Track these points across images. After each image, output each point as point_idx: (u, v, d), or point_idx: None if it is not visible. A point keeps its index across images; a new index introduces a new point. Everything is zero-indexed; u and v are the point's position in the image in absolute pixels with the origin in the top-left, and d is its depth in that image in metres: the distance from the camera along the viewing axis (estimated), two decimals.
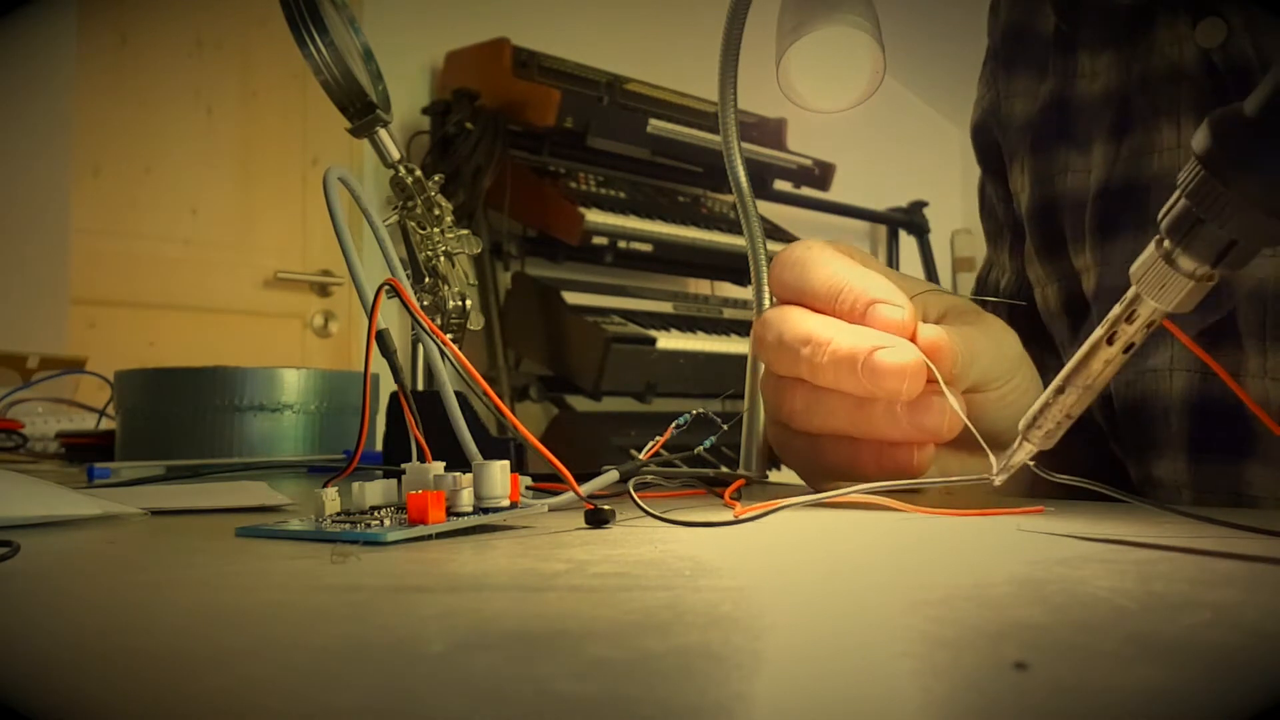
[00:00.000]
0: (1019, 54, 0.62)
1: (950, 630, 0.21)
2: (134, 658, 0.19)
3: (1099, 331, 0.35)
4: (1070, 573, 0.27)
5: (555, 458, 0.38)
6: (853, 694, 0.17)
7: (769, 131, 2.97)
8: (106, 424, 1.01)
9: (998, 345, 0.50)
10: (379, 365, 0.40)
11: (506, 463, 0.37)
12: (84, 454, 0.90)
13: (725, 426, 0.47)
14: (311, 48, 0.56)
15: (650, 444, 0.44)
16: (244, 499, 0.45)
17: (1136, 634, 0.20)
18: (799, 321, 0.47)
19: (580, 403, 2.52)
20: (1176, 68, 0.54)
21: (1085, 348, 0.36)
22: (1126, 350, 0.35)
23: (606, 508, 0.37)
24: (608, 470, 0.45)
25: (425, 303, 0.62)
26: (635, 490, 0.40)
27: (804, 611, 0.23)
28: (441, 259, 0.62)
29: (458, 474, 0.36)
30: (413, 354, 0.69)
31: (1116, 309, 0.35)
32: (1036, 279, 0.62)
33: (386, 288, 0.39)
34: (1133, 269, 0.34)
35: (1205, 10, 0.52)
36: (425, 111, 2.62)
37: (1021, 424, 0.37)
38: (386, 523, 0.35)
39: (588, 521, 0.37)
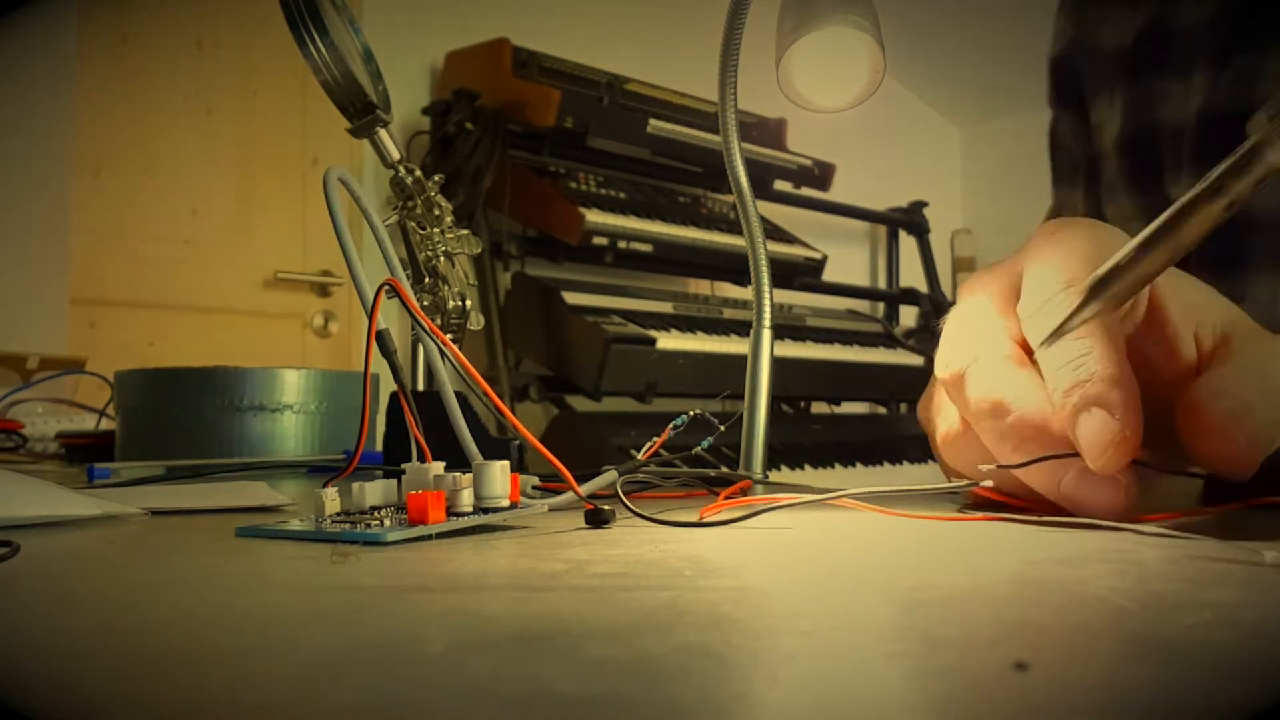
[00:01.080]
0: None
1: (950, 630, 0.21)
2: (134, 658, 0.19)
3: (1201, 185, 0.31)
4: (1070, 573, 0.27)
5: (555, 458, 0.38)
6: (853, 694, 0.17)
7: (769, 131, 2.97)
8: (106, 424, 1.01)
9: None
10: (379, 365, 0.40)
11: (506, 463, 0.37)
12: (84, 454, 0.90)
13: (723, 428, 0.47)
14: (311, 48, 0.56)
15: (648, 444, 0.44)
16: (244, 499, 0.45)
17: (1136, 634, 0.20)
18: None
19: (580, 403, 2.52)
20: None
21: (1181, 203, 0.31)
22: (1229, 208, 0.30)
23: (606, 508, 0.37)
24: (607, 470, 0.45)
25: (425, 303, 0.62)
26: (638, 490, 0.40)
27: (804, 611, 0.23)
28: (441, 259, 0.62)
29: (458, 474, 0.36)
30: (413, 354, 0.69)
31: (1227, 162, 0.30)
32: (1119, 214, 0.60)
33: (386, 288, 0.39)
34: (1251, 121, 0.30)
35: None
36: (425, 111, 2.62)
37: (1089, 281, 0.33)
38: (386, 523, 0.35)
39: (588, 522, 0.37)
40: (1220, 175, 0.30)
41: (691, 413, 0.46)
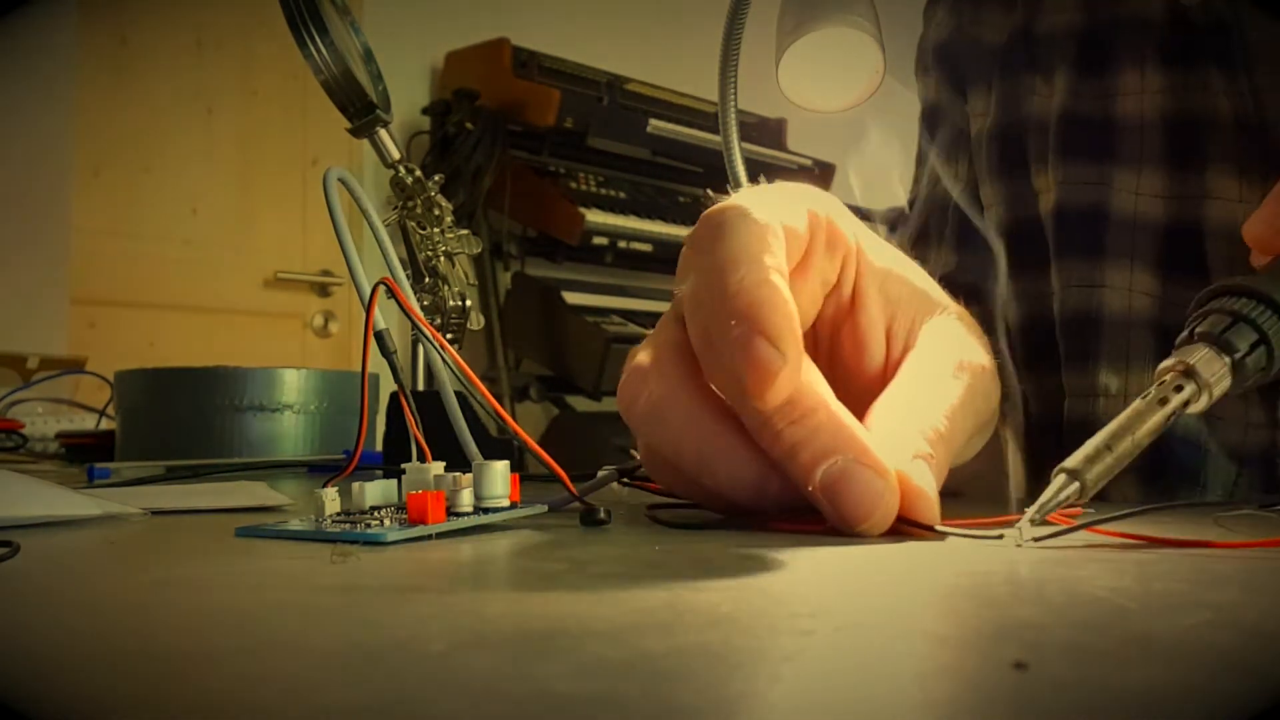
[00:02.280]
0: None
1: (950, 630, 0.21)
2: (134, 658, 0.19)
3: (1150, 393, 0.34)
4: (1070, 573, 0.27)
5: (553, 458, 0.38)
6: (853, 694, 0.17)
7: (769, 131, 2.97)
8: (106, 424, 1.01)
9: (978, 414, 0.41)
10: (379, 365, 0.40)
11: (506, 463, 0.37)
12: (84, 454, 0.90)
13: None
14: (311, 48, 0.56)
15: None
16: (244, 499, 0.45)
17: (1136, 634, 0.20)
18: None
19: (580, 403, 2.52)
20: (1143, 17, 0.58)
21: (1130, 412, 0.34)
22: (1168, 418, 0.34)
23: (601, 507, 0.37)
24: (608, 469, 0.45)
25: (425, 303, 0.62)
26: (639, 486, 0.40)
27: (804, 611, 0.23)
28: (441, 259, 0.62)
29: (458, 474, 0.36)
30: (413, 354, 0.69)
31: (1167, 377, 0.34)
32: (988, 198, 0.65)
33: (383, 288, 0.39)
34: (1160, 367, 0.35)
35: None
36: (425, 111, 2.62)
37: (1070, 464, 0.33)
38: (386, 523, 0.35)
39: (582, 522, 0.37)
40: (1161, 390, 0.34)
41: None
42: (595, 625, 0.21)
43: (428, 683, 0.17)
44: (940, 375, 0.40)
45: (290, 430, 0.80)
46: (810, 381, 0.35)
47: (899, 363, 0.41)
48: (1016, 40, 0.63)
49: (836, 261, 0.41)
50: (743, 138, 0.58)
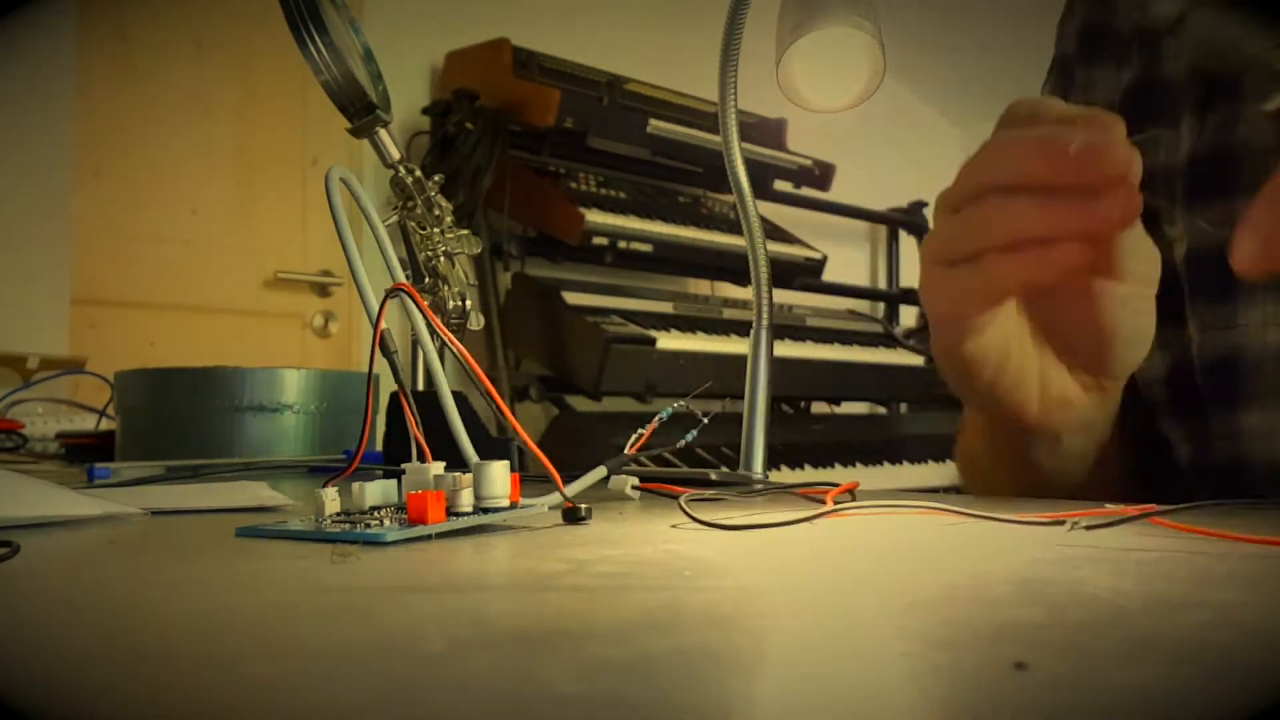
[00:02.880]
0: (1097, 49, 0.67)
1: (950, 630, 0.21)
2: (134, 658, 0.19)
3: None
4: (1070, 573, 0.27)
5: (553, 458, 0.38)
6: (853, 694, 0.17)
7: (769, 131, 2.97)
8: (106, 424, 1.01)
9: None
10: (379, 365, 0.40)
11: (506, 463, 0.37)
12: (84, 454, 0.90)
13: (705, 420, 0.48)
14: (311, 48, 0.56)
15: (635, 438, 0.45)
16: (244, 499, 0.45)
17: (1136, 634, 0.20)
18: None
19: (580, 403, 2.52)
20: (1261, 55, 0.58)
21: None
22: None
23: (583, 505, 0.38)
24: (622, 467, 0.45)
25: (425, 303, 0.62)
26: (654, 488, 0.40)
27: (804, 611, 0.23)
28: (441, 259, 0.62)
29: (457, 474, 0.36)
30: (413, 354, 0.69)
31: None
32: None
33: (395, 294, 0.39)
34: None
35: None
36: (425, 111, 2.62)
37: None
38: (386, 523, 0.35)
39: (565, 519, 0.38)
40: None
41: (675, 405, 0.47)
42: (595, 625, 0.21)
43: (428, 683, 0.17)
44: None
45: (290, 430, 0.80)
46: None
47: None
48: (1136, 93, 0.64)
49: None
50: (743, 138, 0.58)
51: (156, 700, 0.17)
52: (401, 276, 0.44)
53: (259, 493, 0.47)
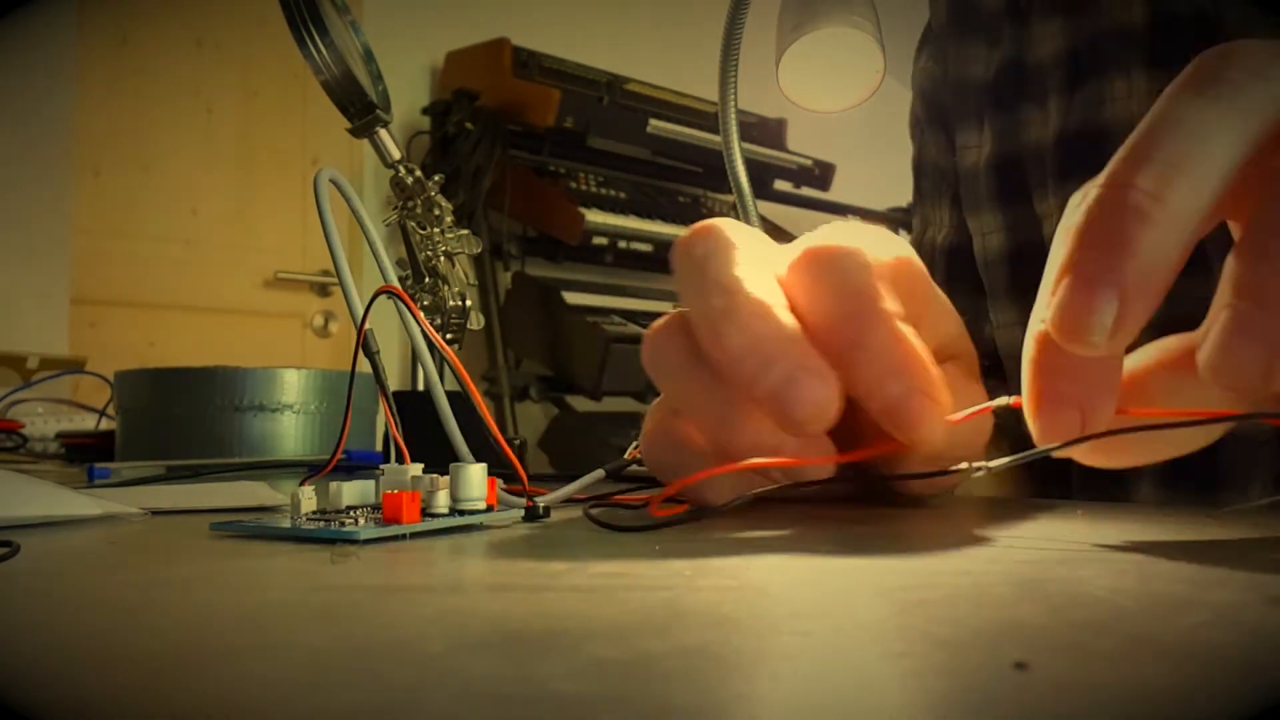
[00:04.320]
0: (969, 26, 0.69)
1: (950, 630, 0.21)
2: (134, 657, 0.19)
3: None
4: (1070, 573, 0.27)
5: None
6: (853, 694, 0.17)
7: (769, 131, 2.97)
8: (106, 424, 1.01)
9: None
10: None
11: (484, 465, 0.37)
12: (84, 454, 0.90)
13: None
14: (311, 48, 0.56)
15: (634, 444, 0.45)
16: (244, 499, 0.45)
17: (1136, 634, 0.20)
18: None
19: (580, 403, 2.52)
20: (1125, 28, 0.59)
21: None
22: None
23: (543, 505, 0.39)
24: (632, 468, 0.46)
25: (425, 303, 0.62)
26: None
27: (804, 611, 0.23)
28: (441, 259, 0.62)
29: (435, 475, 0.36)
30: (412, 354, 0.69)
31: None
32: (981, 228, 0.67)
33: (383, 296, 0.39)
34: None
35: None
36: (425, 111, 2.62)
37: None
38: (361, 522, 0.35)
39: (525, 518, 0.38)
40: None
41: None
42: (595, 625, 0.21)
43: (428, 683, 0.17)
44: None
45: (290, 430, 0.80)
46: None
47: None
48: (1007, 73, 0.66)
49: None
50: (743, 138, 0.58)
51: (156, 700, 0.17)
52: (393, 277, 0.44)
53: (259, 493, 0.47)
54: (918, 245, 0.73)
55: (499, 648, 0.19)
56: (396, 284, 0.42)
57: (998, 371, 0.66)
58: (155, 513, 0.42)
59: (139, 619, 0.23)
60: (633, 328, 2.43)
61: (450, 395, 0.51)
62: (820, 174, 3.08)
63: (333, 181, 0.42)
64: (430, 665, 0.18)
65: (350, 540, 0.33)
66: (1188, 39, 0.57)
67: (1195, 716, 0.15)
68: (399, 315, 0.42)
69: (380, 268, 0.44)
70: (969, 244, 0.69)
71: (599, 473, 0.45)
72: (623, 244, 2.56)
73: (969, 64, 0.68)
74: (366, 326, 0.40)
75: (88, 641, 0.21)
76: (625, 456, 0.45)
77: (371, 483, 0.39)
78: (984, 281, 0.67)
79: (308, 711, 0.16)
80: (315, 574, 0.28)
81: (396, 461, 0.38)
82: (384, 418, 0.66)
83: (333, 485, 0.38)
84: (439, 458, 0.39)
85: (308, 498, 0.36)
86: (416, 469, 0.38)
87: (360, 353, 0.40)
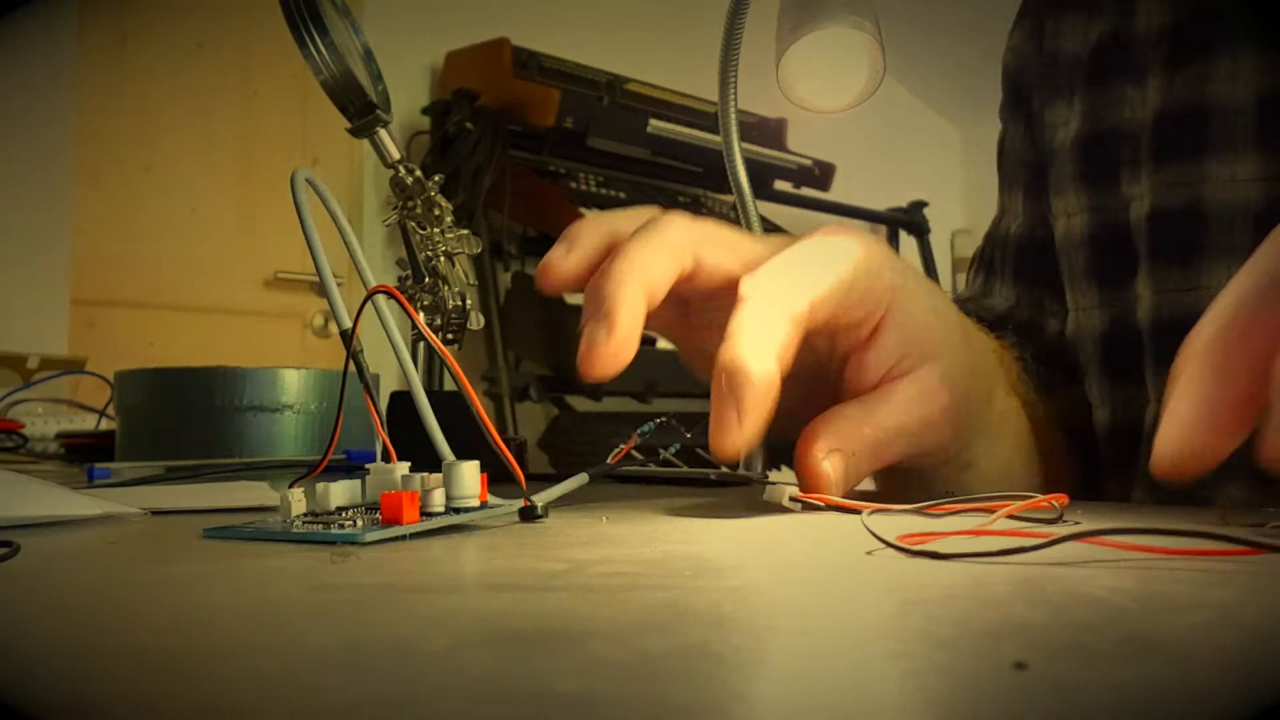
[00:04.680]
0: None
1: (950, 630, 0.21)
2: (134, 657, 0.19)
3: None
4: (1070, 573, 0.27)
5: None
6: (853, 693, 0.17)
7: (769, 131, 2.97)
8: (106, 424, 1.01)
9: (921, 403, 0.46)
10: (379, 365, 0.40)
11: (476, 463, 0.37)
12: (84, 454, 0.90)
13: (689, 435, 0.48)
14: (311, 48, 0.56)
15: (617, 449, 0.45)
16: (244, 499, 0.45)
17: (1136, 634, 0.20)
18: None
19: (580, 403, 2.52)
20: (1236, 2, 0.56)
21: None
22: None
23: (540, 504, 0.39)
24: (604, 476, 0.46)
25: (425, 303, 0.62)
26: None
27: (804, 611, 0.23)
28: (441, 259, 0.62)
29: (426, 474, 0.36)
30: (413, 354, 0.69)
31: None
32: (1066, 208, 0.64)
33: (377, 295, 0.39)
34: None
35: None
36: (425, 111, 2.62)
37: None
38: (360, 523, 0.35)
39: (521, 517, 0.38)
40: None
41: (659, 420, 0.47)
42: (595, 625, 0.21)
43: (428, 683, 0.17)
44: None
45: (290, 430, 0.80)
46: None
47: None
48: (1106, 46, 0.62)
49: (859, 313, 0.45)
50: (743, 138, 0.58)
51: (156, 700, 0.17)
52: (371, 279, 0.44)
53: (259, 493, 0.47)
54: (994, 234, 0.71)
55: (500, 647, 0.19)
56: (367, 277, 0.42)
57: (1058, 361, 0.64)
58: (155, 513, 0.42)
59: (139, 619, 0.23)
60: None
61: (449, 395, 0.51)
62: (820, 174, 3.07)
63: (309, 181, 0.42)
64: (430, 665, 0.18)
65: (353, 542, 0.33)
66: None
67: (1195, 716, 0.15)
68: (402, 313, 0.42)
69: (358, 269, 0.45)
70: (1038, 237, 0.67)
71: (583, 476, 0.45)
72: None
73: (1064, 37, 0.65)
74: (345, 326, 0.40)
75: (88, 641, 0.21)
76: (609, 461, 0.46)
77: (358, 482, 0.39)
78: (1063, 266, 0.64)
79: (308, 711, 0.16)
80: (315, 574, 0.28)
81: (383, 460, 0.38)
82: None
83: (319, 486, 0.38)
84: (434, 457, 0.39)
85: (297, 500, 0.36)
86: (403, 467, 0.38)
87: (354, 358, 0.40)
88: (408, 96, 2.61)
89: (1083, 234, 0.63)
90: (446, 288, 0.61)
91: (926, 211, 3.64)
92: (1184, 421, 0.31)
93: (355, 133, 0.60)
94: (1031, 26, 0.68)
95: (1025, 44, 0.69)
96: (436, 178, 0.63)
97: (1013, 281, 0.68)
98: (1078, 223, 0.63)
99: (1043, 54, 0.66)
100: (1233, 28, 0.56)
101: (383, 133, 0.60)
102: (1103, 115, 0.62)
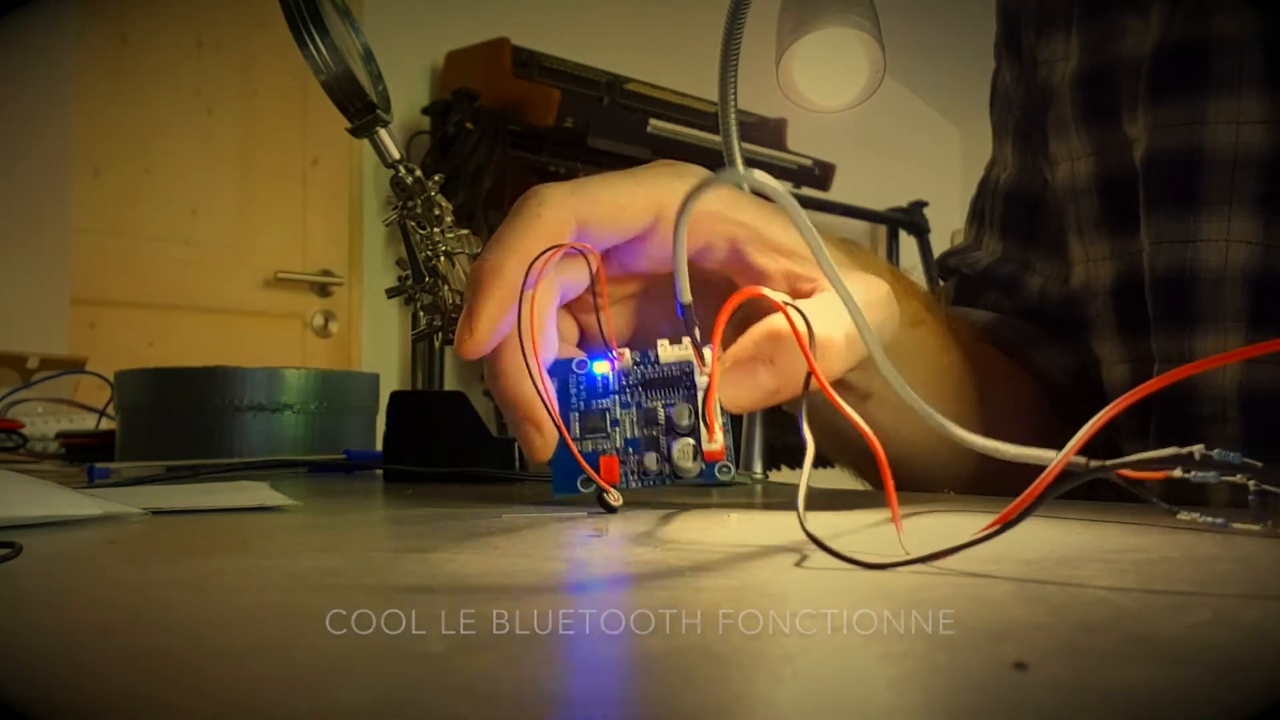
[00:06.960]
0: None
1: (950, 630, 0.21)
2: (134, 657, 0.19)
3: None
4: (1070, 573, 0.27)
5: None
6: (853, 694, 0.17)
7: (769, 131, 2.97)
8: (106, 424, 1.01)
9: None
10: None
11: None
12: (84, 454, 0.90)
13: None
14: (311, 48, 0.56)
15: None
16: (244, 499, 0.45)
17: (1136, 634, 0.20)
18: None
19: None
20: None
21: None
22: None
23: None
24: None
25: (425, 302, 0.62)
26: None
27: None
28: (441, 259, 0.62)
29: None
30: (413, 354, 0.69)
31: None
32: (1069, 152, 0.60)
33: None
34: None
35: None
36: (425, 111, 2.62)
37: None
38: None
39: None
40: None
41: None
42: (595, 625, 0.21)
43: (428, 683, 0.17)
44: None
45: (290, 430, 0.80)
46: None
47: None
48: None
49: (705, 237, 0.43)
50: (743, 138, 0.58)
51: (156, 700, 0.17)
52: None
53: (259, 493, 0.47)
54: (985, 182, 0.68)
55: (500, 647, 0.19)
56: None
57: (1039, 317, 0.61)
58: (155, 513, 0.42)
59: (140, 619, 0.23)
60: None
61: (449, 395, 0.51)
62: (820, 174, 3.08)
63: None
64: (431, 665, 0.18)
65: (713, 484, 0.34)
66: None
67: (1195, 716, 0.15)
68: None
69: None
70: (1027, 189, 0.63)
71: None
72: None
73: None
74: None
75: (89, 641, 0.21)
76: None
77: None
78: (1070, 216, 0.60)
79: (308, 711, 0.16)
80: (315, 574, 0.28)
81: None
82: (382, 418, 0.66)
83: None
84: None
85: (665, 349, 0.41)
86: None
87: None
88: (408, 96, 2.61)
89: (1088, 180, 0.59)
90: (446, 287, 0.61)
91: (926, 211, 3.64)
92: None
93: (355, 133, 0.60)
94: None
95: None
96: (436, 178, 0.63)
97: (1000, 235, 0.66)
98: (1082, 167, 0.59)
99: None
100: None
101: (383, 133, 0.60)
102: (1103, 49, 0.58)
